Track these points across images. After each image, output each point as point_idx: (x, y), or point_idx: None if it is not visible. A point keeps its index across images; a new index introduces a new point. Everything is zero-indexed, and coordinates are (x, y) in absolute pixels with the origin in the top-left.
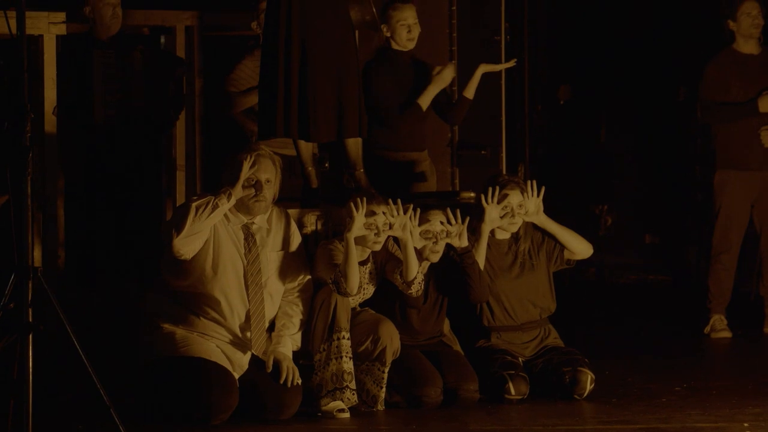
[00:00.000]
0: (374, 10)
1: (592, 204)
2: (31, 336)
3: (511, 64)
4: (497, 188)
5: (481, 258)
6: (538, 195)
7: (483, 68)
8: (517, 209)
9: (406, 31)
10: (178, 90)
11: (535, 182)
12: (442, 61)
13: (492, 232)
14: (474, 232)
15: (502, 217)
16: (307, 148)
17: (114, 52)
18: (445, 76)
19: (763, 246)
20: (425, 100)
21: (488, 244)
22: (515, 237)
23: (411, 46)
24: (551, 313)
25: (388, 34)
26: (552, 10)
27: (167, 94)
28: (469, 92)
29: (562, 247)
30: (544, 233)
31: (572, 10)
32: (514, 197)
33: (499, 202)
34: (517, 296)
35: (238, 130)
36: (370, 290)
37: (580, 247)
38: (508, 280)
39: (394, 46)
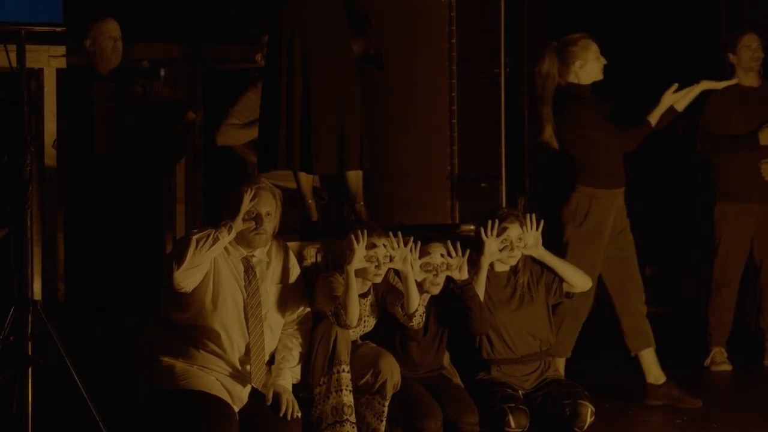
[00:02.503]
0: (378, 44)
1: None
2: (30, 369)
3: (733, 82)
4: (496, 221)
5: (480, 290)
6: (537, 228)
7: (704, 85)
8: (516, 242)
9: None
10: (186, 134)
11: (534, 216)
12: (441, 94)
13: (491, 264)
14: (473, 265)
15: (501, 250)
16: (307, 181)
17: (114, 84)
18: (675, 96)
19: (764, 279)
20: (654, 117)
21: (487, 277)
22: (514, 270)
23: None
24: (551, 345)
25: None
26: (551, 42)
27: (173, 133)
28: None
29: (561, 280)
30: (543, 266)
31: None
32: (514, 230)
33: (498, 235)
34: (516, 329)
35: (238, 162)
36: (370, 323)
37: (578, 281)
38: (507, 312)
39: (584, 81)
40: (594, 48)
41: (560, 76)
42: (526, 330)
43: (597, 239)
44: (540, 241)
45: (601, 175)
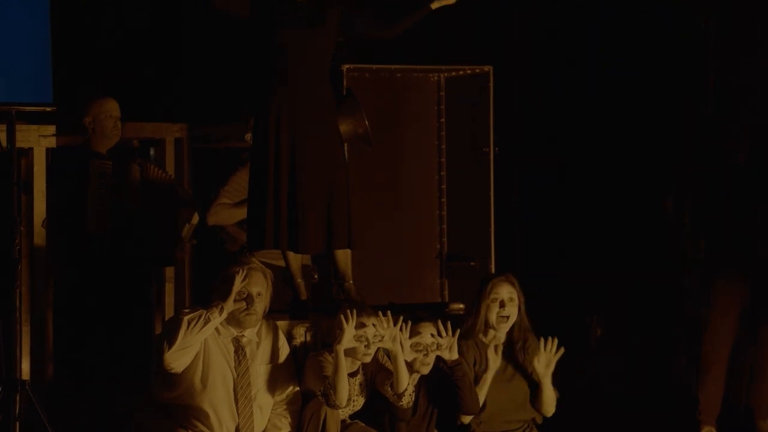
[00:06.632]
0: (367, 123)
1: (582, 315)
2: None
3: None
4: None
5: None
6: (554, 352)
7: None
8: (508, 302)
9: None
10: (192, 235)
11: (555, 341)
12: (430, 173)
13: (485, 337)
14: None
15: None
16: (296, 260)
17: (112, 163)
18: None
19: (752, 357)
20: None
21: (479, 349)
22: (509, 340)
23: None
24: (537, 420)
25: None
26: (541, 121)
27: (177, 232)
28: None
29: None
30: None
31: (561, 120)
32: (504, 291)
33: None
34: (501, 401)
35: (222, 241)
36: (360, 402)
37: (549, 408)
38: (497, 382)
39: None
40: None
41: None
42: (512, 402)
43: None
44: (553, 365)
45: None
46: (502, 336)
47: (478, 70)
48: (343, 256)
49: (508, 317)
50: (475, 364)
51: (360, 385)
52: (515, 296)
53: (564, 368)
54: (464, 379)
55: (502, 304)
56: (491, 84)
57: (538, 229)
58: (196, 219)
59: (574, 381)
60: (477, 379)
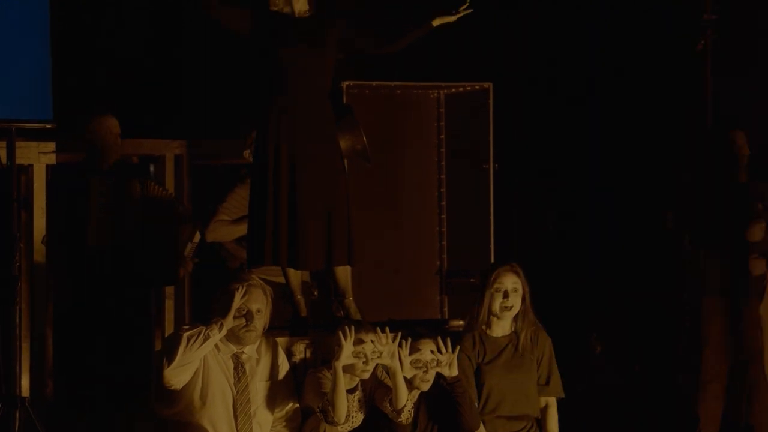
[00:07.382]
0: (365, 139)
1: (582, 331)
2: None
3: None
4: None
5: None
6: None
7: None
8: (512, 292)
9: None
10: (195, 253)
11: None
12: (430, 189)
13: (489, 328)
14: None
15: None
16: (296, 276)
17: (113, 179)
18: None
19: (753, 373)
20: None
21: (482, 341)
22: (515, 333)
23: None
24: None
25: None
26: (541, 137)
27: (179, 250)
28: None
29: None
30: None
31: (561, 137)
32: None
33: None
34: (504, 392)
35: (223, 257)
36: (358, 418)
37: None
38: (501, 373)
39: None
40: None
41: None
42: (518, 392)
43: None
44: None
45: None
46: (506, 326)
47: (478, 87)
48: (343, 273)
49: (511, 308)
50: (478, 357)
51: (359, 401)
52: (519, 287)
53: (564, 384)
54: (464, 396)
55: (505, 295)
56: (491, 100)
57: (538, 245)
58: (198, 237)
59: (573, 397)
60: (479, 373)
